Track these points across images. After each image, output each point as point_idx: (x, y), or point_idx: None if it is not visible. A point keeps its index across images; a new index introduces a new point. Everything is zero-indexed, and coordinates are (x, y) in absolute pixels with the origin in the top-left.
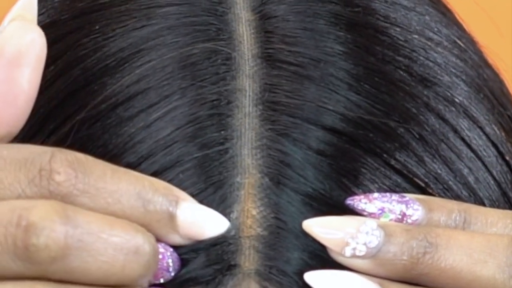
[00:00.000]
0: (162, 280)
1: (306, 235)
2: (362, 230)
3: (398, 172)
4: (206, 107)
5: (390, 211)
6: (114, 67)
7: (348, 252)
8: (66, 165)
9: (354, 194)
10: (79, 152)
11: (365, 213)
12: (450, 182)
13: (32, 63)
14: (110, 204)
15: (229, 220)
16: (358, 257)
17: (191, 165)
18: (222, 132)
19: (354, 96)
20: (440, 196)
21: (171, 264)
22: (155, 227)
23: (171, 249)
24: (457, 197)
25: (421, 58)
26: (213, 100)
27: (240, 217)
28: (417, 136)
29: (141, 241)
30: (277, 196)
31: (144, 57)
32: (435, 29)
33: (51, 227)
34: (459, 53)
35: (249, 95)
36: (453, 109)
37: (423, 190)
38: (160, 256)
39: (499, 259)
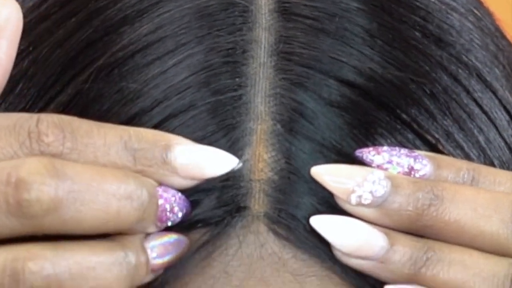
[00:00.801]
0: (169, 223)
1: (316, 181)
2: (369, 179)
3: (409, 126)
4: (221, 55)
5: (398, 164)
6: (133, 17)
7: (354, 199)
8: (52, 126)
9: (365, 145)
10: (96, 99)
11: (373, 165)
12: (460, 140)
13: (9, 36)
14: (99, 158)
15: (243, 162)
16: (364, 205)
17: (203, 109)
18: (237, 79)
19: (367, 51)
20: (450, 154)
21: (175, 206)
22: (150, 173)
23: (176, 192)
24: (467, 156)
25: (437, 20)
26: (228, 49)
27: (251, 161)
28: (429, 92)
29: (133, 186)
30: (289, 143)
31: (163, 7)
32: None
33: (41, 181)
34: (475, 21)
35: (264, 46)
36: (466, 71)
37: (433, 148)
38: (162, 200)
39: (503, 215)
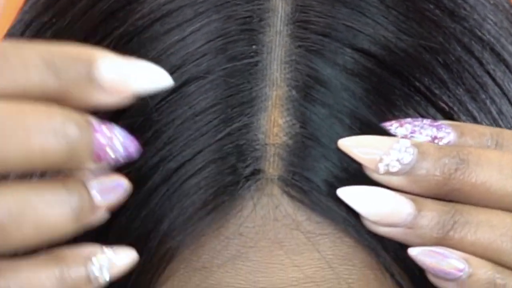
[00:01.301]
0: (111, 160)
1: (330, 145)
2: (395, 147)
3: (423, 94)
4: (238, 23)
5: (422, 134)
6: None
7: (382, 168)
8: None
9: (379, 111)
10: None
11: (399, 135)
12: (473, 110)
13: None
14: (17, 81)
15: (258, 127)
16: (392, 173)
17: (220, 75)
18: (253, 46)
19: (382, 20)
20: (460, 119)
21: (117, 142)
22: (75, 93)
23: (119, 129)
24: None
25: None
26: (245, 17)
27: (266, 125)
28: (442, 62)
29: (58, 120)
30: (303, 108)
31: None
32: None
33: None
34: None
35: (281, 15)
36: (480, 44)
37: (447, 116)
38: (99, 135)
39: None
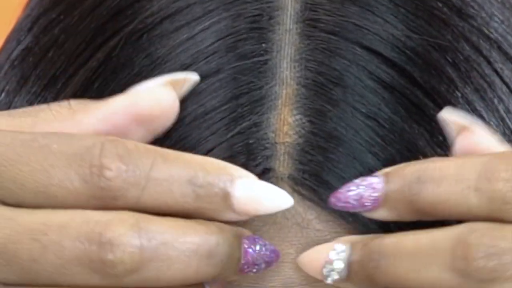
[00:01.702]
0: (250, 274)
1: (340, 143)
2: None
3: (429, 96)
4: (248, 21)
5: (354, 199)
6: None
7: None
8: (116, 159)
9: (389, 108)
10: (125, 64)
11: (339, 208)
12: (481, 109)
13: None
14: (161, 194)
15: (268, 125)
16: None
17: (230, 73)
18: (263, 45)
19: (391, 19)
20: None
21: (260, 259)
22: (208, 209)
23: (264, 243)
24: (487, 125)
25: None
26: (255, 15)
27: (276, 124)
28: (451, 61)
29: (214, 242)
30: (314, 106)
31: None
32: None
33: (127, 243)
34: None
35: (291, 13)
36: (488, 42)
37: None
38: (249, 251)
39: (442, 260)
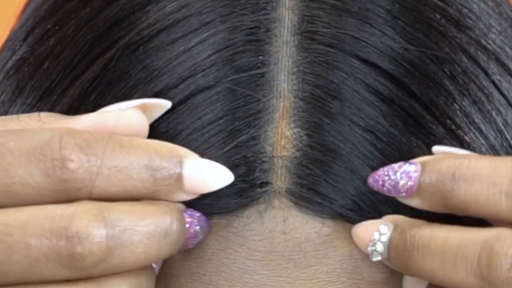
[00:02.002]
0: (190, 247)
1: (338, 156)
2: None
3: (427, 109)
4: (245, 34)
5: (390, 184)
6: None
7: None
8: (77, 150)
9: (387, 122)
10: (121, 76)
11: (376, 189)
12: (478, 122)
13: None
14: (121, 181)
15: (265, 139)
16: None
17: (227, 86)
18: (260, 57)
19: (389, 31)
20: (467, 135)
21: (199, 230)
22: (164, 191)
23: (198, 214)
24: (485, 137)
25: (457, 3)
26: (252, 28)
27: (273, 137)
28: (449, 73)
29: (168, 222)
30: (311, 119)
31: None
32: None
33: (94, 234)
34: (494, 6)
35: (288, 26)
36: (485, 54)
37: (450, 131)
38: (187, 225)
39: (469, 264)
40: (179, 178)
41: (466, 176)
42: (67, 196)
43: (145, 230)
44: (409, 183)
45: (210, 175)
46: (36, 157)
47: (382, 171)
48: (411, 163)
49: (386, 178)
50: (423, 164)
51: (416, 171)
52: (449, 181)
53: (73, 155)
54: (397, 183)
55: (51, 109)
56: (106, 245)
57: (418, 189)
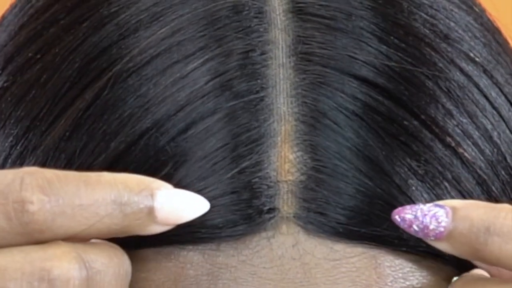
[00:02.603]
0: None
1: (343, 178)
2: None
3: (427, 126)
4: (241, 57)
5: (418, 225)
6: (148, 21)
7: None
8: (37, 191)
9: (385, 144)
10: (116, 104)
11: (402, 228)
12: (475, 136)
13: None
14: (88, 219)
15: (269, 164)
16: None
17: (227, 112)
18: (258, 81)
19: (384, 49)
20: (466, 151)
21: None
22: (135, 225)
23: None
24: (482, 152)
25: (444, 17)
26: (247, 51)
27: (277, 162)
28: (445, 89)
29: (128, 262)
30: (314, 142)
31: (178, 11)
32: None
33: (75, 277)
34: (476, 17)
35: (282, 47)
36: (475, 67)
37: (449, 147)
38: None
39: None
40: (150, 211)
41: (502, 232)
42: (32, 238)
43: (113, 271)
44: (439, 229)
45: (184, 206)
46: None
47: (409, 210)
48: (441, 207)
49: (414, 219)
50: (454, 210)
51: (446, 217)
52: (483, 234)
53: (33, 196)
54: (426, 227)
55: (41, 140)
56: (86, 287)
57: (447, 236)
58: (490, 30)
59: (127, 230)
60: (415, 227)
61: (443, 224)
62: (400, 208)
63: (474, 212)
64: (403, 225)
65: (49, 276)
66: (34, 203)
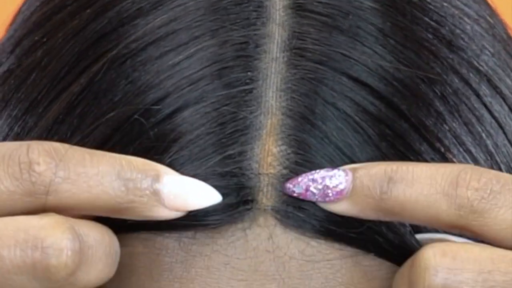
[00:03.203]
0: None
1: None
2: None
3: (416, 129)
4: (234, 49)
5: (316, 188)
6: (147, 9)
7: None
8: (44, 154)
9: (371, 142)
10: (108, 89)
11: (295, 195)
12: (468, 144)
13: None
14: (92, 187)
15: (252, 156)
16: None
17: (214, 101)
18: (248, 73)
19: (380, 49)
20: (457, 157)
21: None
22: (140, 204)
23: None
24: (475, 160)
25: (449, 24)
26: (241, 43)
27: (260, 154)
28: (439, 94)
29: (117, 243)
30: (299, 137)
31: (177, 0)
32: (465, 2)
33: (68, 247)
34: (487, 28)
35: (278, 42)
36: (477, 75)
37: (439, 152)
38: None
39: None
40: (156, 192)
41: (405, 178)
42: (36, 201)
43: (104, 248)
44: (340, 187)
45: (193, 193)
46: (4, 162)
47: (304, 176)
48: (340, 169)
49: (311, 182)
50: (355, 169)
51: (347, 175)
52: (386, 183)
53: (40, 158)
54: (326, 186)
55: (36, 122)
56: (79, 259)
57: (349, 192)
58: (502, 42)
59: (132, 207)
60: (312, 189)
61: (343, 181)
62: (293, 177)
63: (375, 167)
64: (298, 191)
65: (42, 244)
66: (41, 164)
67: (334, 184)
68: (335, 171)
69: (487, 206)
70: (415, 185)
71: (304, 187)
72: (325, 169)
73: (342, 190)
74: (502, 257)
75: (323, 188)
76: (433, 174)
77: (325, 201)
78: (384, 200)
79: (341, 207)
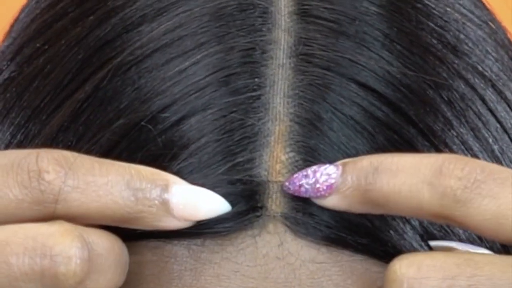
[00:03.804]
0: None
1: None
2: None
3: (424, 135)
4: (241, 55)
5: (308, 184)
6: (152, 16)
7: None
8: (53, 162)
9: (378, 148)
10: (113, 96)
11: (290, 192)
12: (475, 149)
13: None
14: (101, 197)
15: (260, 163)
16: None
17: (222, 108)
18: (256, 79)
19: (386, 55)
20: None
21: None
22: (149, 214)
23: None
24: None
25: (454, 29)
26: (248, 49)
27: (269, 161)
28: (446, 99)
29: (127, 253)
30: (307, 144)
31: (182, 6)
32: (468, 8)
33: (77, 255)
34: (490, 33)
35: (284, 48)
36: (482, 80)
37: None
38: None
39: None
40: (165, 202)
41: (389, 168)
42: (45, 210)
43: (114, 257)
44: (329, 180)
45: (202, 203)
46: (13, 170)
47: (299, 173)
48: (331, 164)
49: (304, 178)
50: (344, 164)
51: (336, 171)
52: (371, 174)
53: (49, 166)
54: (317, 181)
55: (40, 129)
56: (87, 267)
57: (338, 186)
58: (505, 47)
59: (141, 217)
60: (305, 185)
61: (333, 176)
62: (293, 176)
63: (364, 160)
64: (293, 188)
65: (51, 252)
66: (50, 172)
67: (324, 179)
68: (326, 165)
69: (470, 196)
70: (398, 175)
71: (297, 183)
72: (318, 164)
73: (331, 185)
74: (468, 261)
75: (314, 183)
76: (417, 164)
77: (317, 196)
78: (369, 191)
79: (332, 202)
